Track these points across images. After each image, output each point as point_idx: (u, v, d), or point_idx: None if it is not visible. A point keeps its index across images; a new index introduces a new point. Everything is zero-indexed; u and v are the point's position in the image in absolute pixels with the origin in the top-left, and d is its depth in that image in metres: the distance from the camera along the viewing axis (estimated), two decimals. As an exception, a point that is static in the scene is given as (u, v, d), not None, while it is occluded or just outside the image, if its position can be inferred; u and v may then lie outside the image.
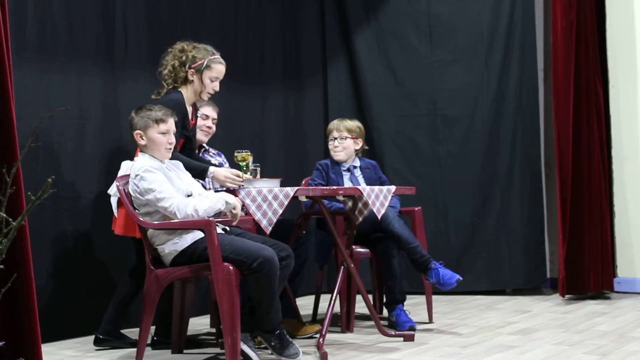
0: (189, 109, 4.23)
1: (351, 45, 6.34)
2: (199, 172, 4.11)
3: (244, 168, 4.18)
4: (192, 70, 4.19)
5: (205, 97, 4.27)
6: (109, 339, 4.25)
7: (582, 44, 5.54)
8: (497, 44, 5.99)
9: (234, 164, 4.56)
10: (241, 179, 4.07)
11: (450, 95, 6.06)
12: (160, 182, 3.66)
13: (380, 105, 6.23)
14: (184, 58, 4.19)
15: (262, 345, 3.81)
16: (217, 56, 4.26)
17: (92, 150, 4.70)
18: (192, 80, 4.20)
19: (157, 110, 3.80)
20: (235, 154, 4.21)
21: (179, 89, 4.20)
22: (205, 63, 4.20)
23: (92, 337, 4.50)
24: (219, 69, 4.26)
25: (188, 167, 4.06)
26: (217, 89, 4.27)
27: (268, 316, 3.67)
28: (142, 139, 3.79)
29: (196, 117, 4.38)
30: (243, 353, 3.66)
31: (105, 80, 4.79)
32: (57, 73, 4.54)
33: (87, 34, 4.70)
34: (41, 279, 4.38)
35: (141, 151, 3.83)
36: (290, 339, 3.74)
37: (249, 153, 4.19)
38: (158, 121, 3.77)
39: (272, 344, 3.70)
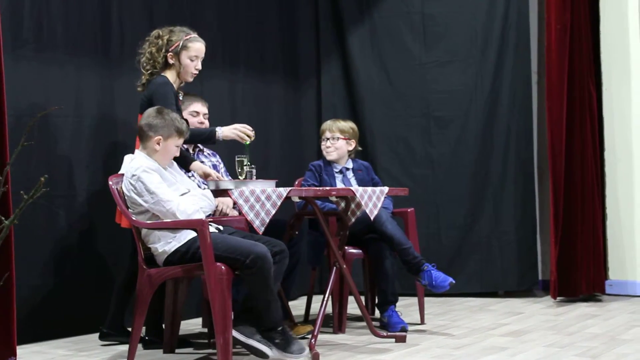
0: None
1: (345, 45, 6.33)
2: (206, 136, 4.27)
3: (239, 170, 4.19)
4: (171, 53, 4.23)
5: (190, 77, 4.31)
6: (112, 333, 4.27)
7: (576, 46, 5.55)
8: (491, 45, 5.99)
9: (231, 165, 4.56)
10: (251, 129, 4.24)
11: (443, 97, 6.05)
12: (157, 184, 3.66)
13: (374, 106, 6.22)
14: (160, 43, 4.23)
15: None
16: (193, 35, 4.30)
17: (88, 147, 4.69)
18: (173, 64, 4.25)
19: (181, 122, 3.84)
20: (237, 158, 4.21)
21: (162, 74, 4.22)
22: (181, 44, 4.24)
23: (84, 337, 4.52)
24: (197, 47, 4.29)
25: (195, 134, 4.18)
26: (199, 67, 4.31)
27: (268, 313, 3.63)
28: (159, 144, 3.79)
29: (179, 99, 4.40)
30: (252, 348, 3.61)
31: (101, 77, 4.78)
32: (53, 70, 4.53)
33: (83, 31, 4.70)
34: (33, 278, 4.38)
35: (141, 150, 3.83)
36: (293, 335, 3.71)
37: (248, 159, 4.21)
38: (180, 134, 3.82)
39: (277, 341, 3.63)
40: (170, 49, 4.23)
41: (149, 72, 4.23)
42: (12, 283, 3.28)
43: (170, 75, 4.24)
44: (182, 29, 4.28)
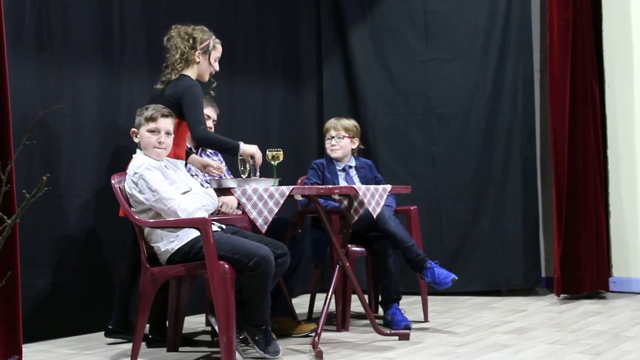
0: None
1: (346, 43, 6.33)
2: (230, 147, 4.12)
3: (242, 169, 4.18)
4: (200, 51, 4.19)
5: (207, 78, 4.27)
6: (117, 330, 4.27)
7: (578, 44, 5.55)
8: (493, 43, 5.98)
9: (233, 164, 4.56)
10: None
11: (445, 94, 6.05)
12: (159, 182, 3.66)
13: (375, 103, 6.22)
14: (191, 41, 4.18)
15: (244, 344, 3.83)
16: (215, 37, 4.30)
17: (89, 147, 4.69)
18: (198, 62, 4.20)
19: (151, 109, 3.83)
20: (267, 153, 4.19)
21: (185, 73, 4.17)
22: (211, 44, 4.21)
23: (88, 336, 4.53)
24: (220, 49, 4.29)
25: (219, 143, 4.14)
26: (218, 68, 4.29)
27: (257, 312, 3.69)
28: (136, 137, 3.83)
29: None
30: None
31: (102, 78, 4.78)
32: (54, 71, 4.54)
33: (84, 32, 4.70)
34: (36, 277, 4.38)
35: (139, 149, 3.85)
36: (273, 336, 3.77)
37: (281, 151, 4.18)
38: (148, 119, 3.80)
39: (256, 338, 3.73)
40: (200, 47, 4.18)
41: (182, 70, 4.15)
42: (16, 282, 3.28)
43: (191, 73, 4.19)
44: (203, 29, 4.25)
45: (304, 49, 6.35)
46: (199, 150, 4.70)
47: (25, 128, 4.00)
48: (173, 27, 4.25)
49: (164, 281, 3.74)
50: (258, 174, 4.13)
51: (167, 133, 3.82)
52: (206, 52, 4.20)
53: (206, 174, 4.53)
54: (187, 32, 4.20)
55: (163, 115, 3.81)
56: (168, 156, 3.89)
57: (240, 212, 4.44)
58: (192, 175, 4.35)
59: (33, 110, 4.32)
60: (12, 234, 3.19)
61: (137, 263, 4.09)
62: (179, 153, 4.08)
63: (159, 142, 3.78)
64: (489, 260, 5.92)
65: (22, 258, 3.40)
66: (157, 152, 3.79)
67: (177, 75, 4.14)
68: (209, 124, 4.69)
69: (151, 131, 3.78)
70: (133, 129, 3.85)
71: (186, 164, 4.36)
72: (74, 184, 4.61)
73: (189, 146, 4.43)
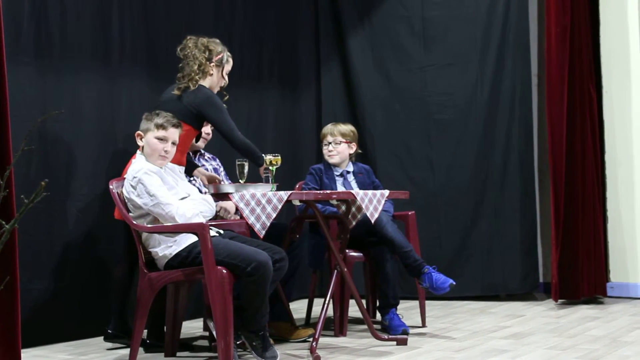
0: None
1: (345, 48, 6.34)
2: (258, 155, 4.23)
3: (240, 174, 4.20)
4: (214, 63, 4.20)
5: (217, 90, 4.28)
6: (117, 334, 4.26)
7: (576, 49, 5.55)
8: (491, 48, 5.99)
9: (231, 169, 4.57)
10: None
11: (443, 100, 6.05)
12: (157, 187, 3.67)
13: (374, 109, 6.23)
14: (207, 53, 4.19)
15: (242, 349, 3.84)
16: None
17: (88, 152, 4.70)
18: (212, 74, 4.21)
19: (162, 117, 3.84)
20: (265, 158, 4.22)
21: (202, 84, 4.18)
22: (225, 57, 4.24)
23: (85, 341, 4.53)
24: (231, 62, 4.32)
25: (253, 151, 4.21)
26: (227, 82, 4.33)
27: (255, 317, 3.69)
28: (141, 140, 3.83)
29: None
30: None
31: (101, 83, 4.79)
32: (53, 76, 4.54)
33: (83, 38, 4.70)
34: (34, 282, 4.38)
35: (141, 153, 3.85)
36: (271, 342, 3.77)
37: (279, 156, 4.21)
38: (158, 126, 3.81)
39: (254, 344, 3.73)
40: (215, 59, 4.20)
41: (200, 80, 4.16)
42: (16, 287, 3.27)
43: (205, 85, 4.19)
44: (216, 41, 4.26)
45: (303, 55, 6.35)
46: (197, 155, 4.71)
47: (24, 133, 4.01)
48: (188, 37, 4.26)
49: (161, 286, 3.75)
50: (270, 184, 4.13)
51: (173, 143, 3.85)
52: (220, 65, 4.22)
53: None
54: (203, 43, 4.21)
55: (173, 126, 3.84)
56: (170, 162, 3.90)
57: (238, 217, 4.45)
58: (189, 181, 4.36)
59: (32, 115, 4.33)
60: (11, 239, 3.19)
61: (132, 265, 4.11)
62: (181, 159, 4.10)
63: (165, 151, 3.80)
64: (487, 266, 5.92)
65: (21, 263, 3.40)
66: (161, 161, 3.81)
67: (196, 85, 4.14)
68: (208, 129, 4.69)
69: (159, 139, 3.80)
70: (139, 132, 3.85)
71: (191, 174, 4.36)
72: (73, 189, 4.62)
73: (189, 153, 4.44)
